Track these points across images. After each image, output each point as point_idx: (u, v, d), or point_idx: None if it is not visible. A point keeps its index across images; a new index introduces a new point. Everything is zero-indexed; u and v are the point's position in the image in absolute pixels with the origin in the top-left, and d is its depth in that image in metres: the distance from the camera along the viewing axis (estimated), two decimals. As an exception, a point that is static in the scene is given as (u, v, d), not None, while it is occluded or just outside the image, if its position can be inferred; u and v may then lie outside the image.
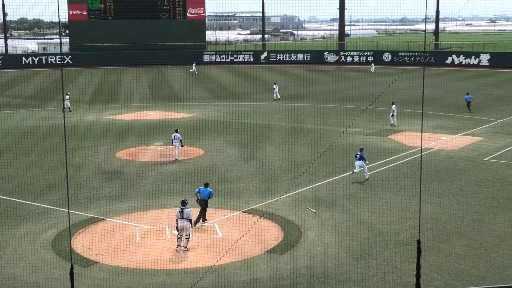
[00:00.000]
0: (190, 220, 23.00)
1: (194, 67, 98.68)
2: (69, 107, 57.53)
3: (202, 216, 25.37)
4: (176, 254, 22.46)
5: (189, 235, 22.87)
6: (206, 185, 26.10)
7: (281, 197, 28.08)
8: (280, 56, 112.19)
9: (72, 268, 16.90)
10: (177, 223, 22.85)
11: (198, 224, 24.95)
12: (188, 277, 20.27)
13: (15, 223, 25.81)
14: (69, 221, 18.67)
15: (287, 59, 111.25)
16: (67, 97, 58.60)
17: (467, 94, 56.77)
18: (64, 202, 25.96)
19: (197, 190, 25.89)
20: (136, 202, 28.58)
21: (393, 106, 47.57)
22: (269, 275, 20.42)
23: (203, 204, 25.40)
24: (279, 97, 65.47)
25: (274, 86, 66.71)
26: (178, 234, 22.92)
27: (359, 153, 31.85)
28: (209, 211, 26.10)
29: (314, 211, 27.00)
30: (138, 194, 29.97)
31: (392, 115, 47.73)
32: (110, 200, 28.90)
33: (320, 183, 30.99)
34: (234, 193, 29.81)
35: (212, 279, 19.91)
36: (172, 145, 37.73)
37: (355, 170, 31.64)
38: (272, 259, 21.76)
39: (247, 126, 48.41)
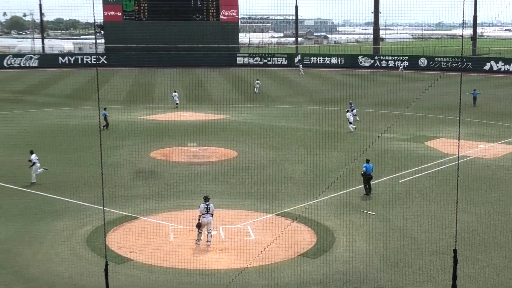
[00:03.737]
0: (212, 215, 23.46)
1: (301, 69, 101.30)
2: (176, 104, 61.70)
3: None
4: (209, 254, 22.62)
5: (211, 229, 23.33)
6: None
7: (314, 201, 28.09)
8: (313, 60, 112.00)
9: (106, 264, 17.18)
10: (199, 219, 23.23)
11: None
12: (220, 278, 20.41)
13: (52, 219, 26.28)
14: (104, 219, 18.93)
15: (321, 62, 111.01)
16: (176, 94, 62.36)
17: (474, 90, 59.28)
18: (99, 199, 26.26)
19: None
20: (170, 201, 28.84)
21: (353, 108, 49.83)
22: (302, 279, 20.45)
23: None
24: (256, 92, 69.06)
25: (256, 82, 70.50)
26: (198, 230, 23.31)
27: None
28: (242, 213, 26.25)
29: (373, 213, 27.01)
30: (172, 194, 30.24)
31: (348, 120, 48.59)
32: (144, 199, 29.23)
33: (353, 188, 30.90)
34: (267, 196, 29.89)
35: (244, 281, 20.02)
36: None
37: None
38: (305, 263, 21.79)
39: (280, 129, 48.51)
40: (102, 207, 19.99)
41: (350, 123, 48.11)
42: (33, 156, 32.22)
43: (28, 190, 30.65)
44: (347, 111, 50.08)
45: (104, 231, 20.97)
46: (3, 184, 31.58)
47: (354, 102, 55.15)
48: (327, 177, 32.86)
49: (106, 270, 17.02)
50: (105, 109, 48.87)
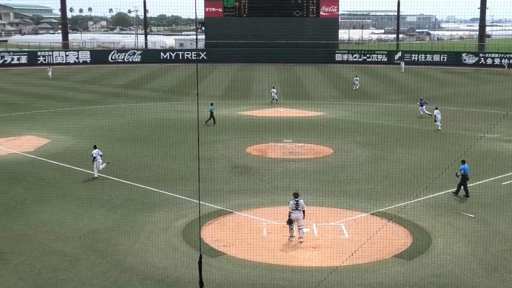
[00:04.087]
0: (304, 211, 23.38)
1: (402, 66, 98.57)
2: (276, 100, 61.91)
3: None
4: (302, 252, 22.59)
5: (302, 225, 23.31)
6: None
7: (411, 201, 27.48)
8: (414, 57, 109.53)
9: (200, 257, 17.46)
10: (289, 215, 23.28)
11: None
12: (312, 275, 20.33)
13: (149, 211, 27.03)
14: (199, 212, 19.27)
15: (422, 60, 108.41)
16: (274, 90, 62.81)
17: None
18: (195, 193, 26.80)
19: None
20: (264, 197, 29.01)
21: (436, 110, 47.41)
22: (396, 280, 20.06)
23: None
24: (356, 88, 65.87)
25: (355, 79, 67.37)
26: (290, 226, 23.35)
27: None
28: (336, 211, 26.03)
29: (473, 215, 26.26)
30: (266, 190, 30.41)
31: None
32: (239, 194, 29.55)
33: (452, 190, 29.95)
34: (362, 194, 29.51)
35: (336, 279, 19.85)
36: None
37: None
38: (399, 265, 21.35)
39: (378, 127, 47.78)
40: (198, 201, 20.39)
41: (435, 121, 47.06)
42: (95, 151, 32.87)
43: (128, 182, 31.63)
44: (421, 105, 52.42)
45: (199, 224, 21.36)
46: (105, 176, 32.74)
47: (455, 100, 53.61)
48: (425, 177, 32.08)
49: (200, 263, 17.28)
50: (211, 104, 49.79)
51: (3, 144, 41.21)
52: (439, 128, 46.33)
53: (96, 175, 32.65)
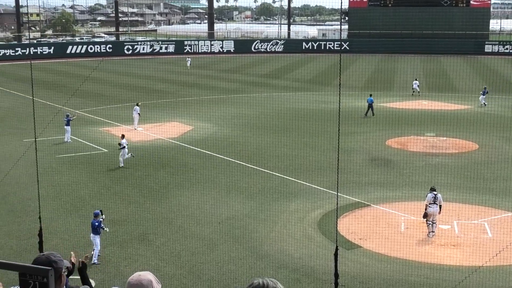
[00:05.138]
0: (440, 206, 22.77)
1: None
2: (418, 92, 60.59)
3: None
4: (441, 249, 21.96)
5: (436, 220, 22.84)
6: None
7: None
8: None
9: (336, 249, 17.41)
10: (426, 209, 22.72)
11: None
12: (451, 274, 19.71)
13: (286, 200, 27.34)
14: (337, 203, 19.20)
15: None
16: (416, 82, 61.60)
17: None
18: (332, 184, 26.78)
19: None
20: (403, 191, 28.45)
21: None
22: (543, 285, 19.00)
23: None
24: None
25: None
26: (427, 220, 22.81)
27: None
28: (479, 209, 25.02)
29: None
30: (406, 184, 29.79)
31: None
32: (377, 187, 29.16)
33: None
34: (508, 193, 28.11)
35: (477, 280, 19.11)
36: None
37: None
38: (548, 269, 20.20)
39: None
40: (335, 192, 20.35)
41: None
42: (123, 141, 33.40)
43: (267, 171, 32.14)
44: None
45: (336, 215, 21.29)
46: (245, 164, 33.48)
47: None
48: None
49: (336, 254, 17.27)
50: (371, 95, 49.55)
51: (149, 130, 43.27)
52: None
53: (121, 165, 33.33)
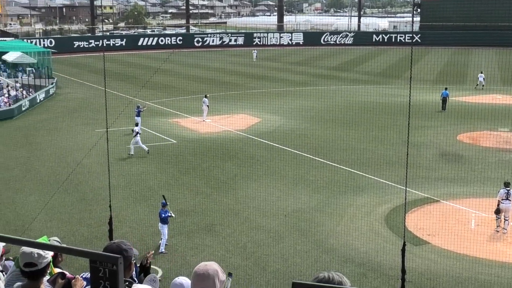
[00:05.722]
0: None
1: None
2: (483, 85, 59.67)
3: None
4: (513, 247, 21.40)
5: (508, 217, 22.22)
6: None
7: None
8: None
9: (404, 244, 17.18)
10: (498, 205, 22.22)
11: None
12: (524, 274, 19.20)
13: (353, 194, 27.17)
14: (405, 198, 18.93)
15: None
16: (481, 75, 60.67)
17: None
18: (400, 179, 26.41)
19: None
20: (474, 187, 27.78)
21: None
22: None
23: None
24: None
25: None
26: (497, 216, 22.32)
27: None
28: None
29: None
30: (477, 180, 29.08)
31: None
32: (447, 183, 28.62)
33: None
34: None
35: (551, 280, 18.56)
36: None
37: None
38: None
39: None
40: (403, 187, 20.06)
41: None
42: (137, 128, 34.23)
43: (334, 164, 31.98)
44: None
45: (404, 211, 20.98)
46: (312, 157, 33.43)
47: None
48: None
49: (403, 250, 17.04)
50: (446, 89, 48.83)
51: (218, 122, 43.69)
52: None
53: (131, 152, 34.06)
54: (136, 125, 35.08)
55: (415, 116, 41.33)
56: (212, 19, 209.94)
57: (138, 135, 34.31)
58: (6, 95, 50.07)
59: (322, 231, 22.91)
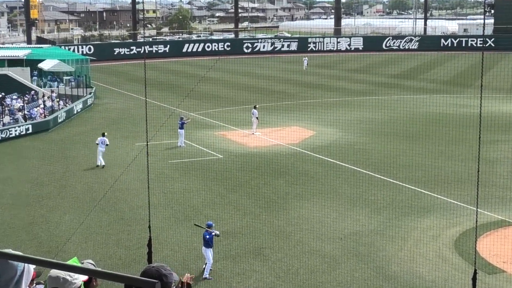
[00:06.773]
0: None
1: None
2: None
3: None
4: None
5: None
6: None
7: None
8: None
9: (475, 273, 16.79)
10: None
11: None
12: None
13: (418, 215, 26.72)
14: (476, 221, 18.52)
15: None
16: None
17: None
18: (472, 199, 25.89)
19: None
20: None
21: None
22: None
23: None
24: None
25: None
26: None
27: None
28: None
29: None
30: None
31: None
32: (525, 204, 27.91)
33: None
34: None
35: None
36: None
37: None
38: None
39: None
40: (475, 208, 19.62)
41: None
42: (100, 139, 35.50)
43: (397, 182, 31.59)
44: None
45: (475, 235, 20.55)
46: (372, 174, 33.08)
47: None
48: None
49: (474, 279, 16.68)
50: None
51: (268, 135, 43.68)
52: None
53: (98, 163, 35.36)
54: (103, 135, 36.22)
55: (488, 129, 40.41)
56: (262, 23, 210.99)
57: (102, 146, 35.47)
58: (42, 106, 51.18)
59: (383, 257, 22.57)
